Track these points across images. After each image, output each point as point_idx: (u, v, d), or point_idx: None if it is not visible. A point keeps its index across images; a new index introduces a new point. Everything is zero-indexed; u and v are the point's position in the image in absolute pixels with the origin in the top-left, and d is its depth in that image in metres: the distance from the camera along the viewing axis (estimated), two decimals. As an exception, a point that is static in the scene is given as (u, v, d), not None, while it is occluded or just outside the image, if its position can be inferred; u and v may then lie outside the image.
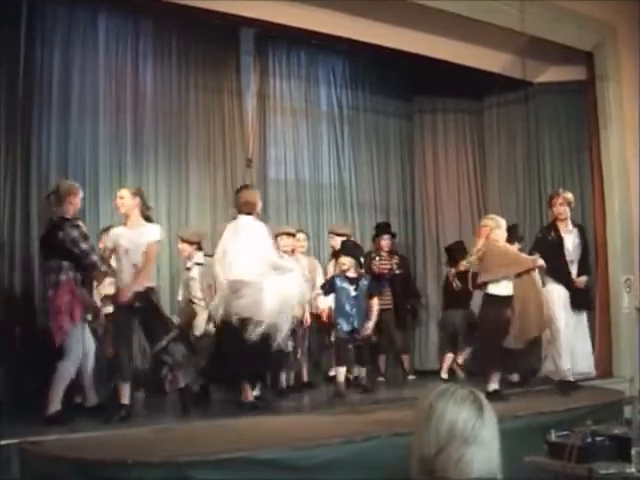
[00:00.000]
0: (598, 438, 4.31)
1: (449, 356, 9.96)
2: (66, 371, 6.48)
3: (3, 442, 5.35)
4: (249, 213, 7.16)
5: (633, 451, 4.11)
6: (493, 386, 7.42)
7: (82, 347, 6.68)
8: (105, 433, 6.04)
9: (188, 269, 8.26)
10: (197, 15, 8.85)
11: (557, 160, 11.12)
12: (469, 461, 1.88)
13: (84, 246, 6.58)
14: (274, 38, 10.61)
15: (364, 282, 8.24)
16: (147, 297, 6.78)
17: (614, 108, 10.19)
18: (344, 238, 9.00)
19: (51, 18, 8.95)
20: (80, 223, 6.79)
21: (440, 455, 1.89)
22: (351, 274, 8.16)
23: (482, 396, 2.00)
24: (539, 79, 11.05)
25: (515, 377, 8.73)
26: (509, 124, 11.64)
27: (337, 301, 8.16)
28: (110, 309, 7.36)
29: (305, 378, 9.04)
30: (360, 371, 8.67)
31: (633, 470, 4.02)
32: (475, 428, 1.91)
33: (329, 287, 8.24)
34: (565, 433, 4.43)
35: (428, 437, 1.92)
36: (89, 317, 7.07)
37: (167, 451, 5.12)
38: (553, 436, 4.46)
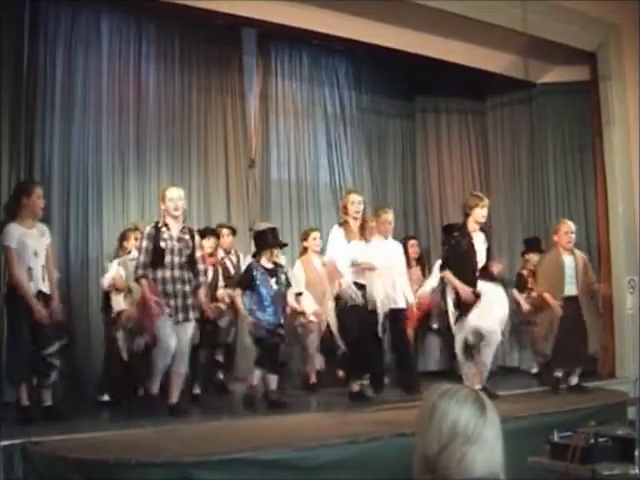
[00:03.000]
0: (601, 439, 4.31)
1: None
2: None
3: (6, 442, 5.36)
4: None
5: (637, 452, 4.11)
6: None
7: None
8: (108, 433, 6.05)
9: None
10: (199, 16, 8.86)
11: (560, 160, 11.11)
12: (471, 460, 1.88)
13: None
14: (276, 39, 10.62)
15: None
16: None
17: (617, 108, 10.17)
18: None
19: (54, 19, 8.95)
20: None
21: (442, 454, 1.89)
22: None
23: (484, 396, 2.00)
24: (542, 79, 11.04)
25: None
26: (512, 125, 11.64)
27: None
28: None
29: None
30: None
31: (637, 471, 4.02)
32: (477, 427, 1.91)
33: None
34: (568, 434, 4.43)
35: (430, 436, 1.92)
36: None
37: (171, 451, 5.13)
38: (556, 437, 4.47)
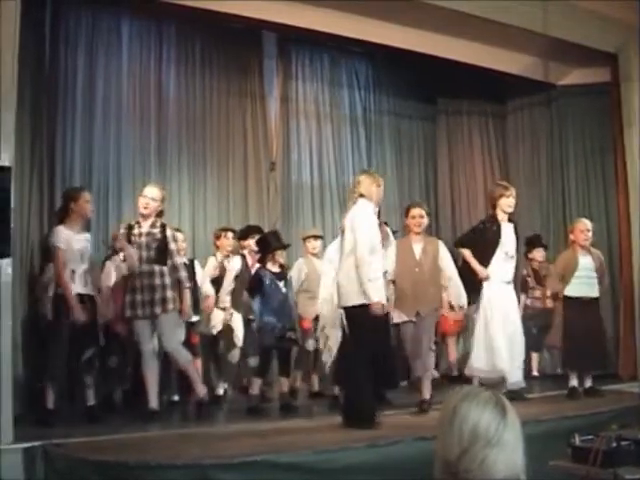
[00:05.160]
0: (623, 442, 4.27)
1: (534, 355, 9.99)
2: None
3: (28, 444, 5.40)
4: None
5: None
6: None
7: None
8: (128, 435, 6.08)
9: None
10: (220, 19, 8.87)
11: (581, 163, 11.06)
12: (492, 463, 1.87)
13: None
14: (297, 42, 10.64)
15: None
16: None
17: (638, 109, 10.10)
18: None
19: (75, 23, 9.03)
20: None
21: (463, 457, 1.89)
22: None
23: (505, 399, 1.99)
24: (562, 81, 11.00)
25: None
26: (532, 127, 11.59)
27: None
28: None
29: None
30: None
31: (659, 474, 3.99)
32: (498, 430, 1.90)
33: None
34: (590, 437, 4.40)
35: (451, 439, 1.92)
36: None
37: (190, 453, 5.14)
38: (577, 440, 4.44)
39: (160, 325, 7.04)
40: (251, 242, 8.33)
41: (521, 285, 9.79)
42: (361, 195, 6.52)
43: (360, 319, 6.25)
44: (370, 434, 5.77)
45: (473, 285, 7.55)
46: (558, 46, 9.72)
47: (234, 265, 8.38)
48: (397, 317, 7.19)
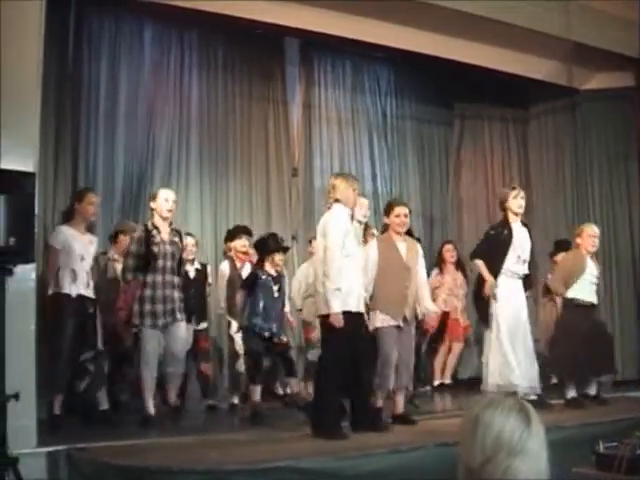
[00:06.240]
0: (647, 450, 4.26)
1: None
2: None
3: (52, 448, 5.44)
4: None
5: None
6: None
7: None
8: (151, 440, 6.10)
9: None
10: (242, 26, 8.91)
11: (604, 168, 10.98)
12: (516, 472, 1.86)
13: None
14: (319, 48, 10.66)
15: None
16: None
17: (662, 114, 10.08)
18: None
19: (98, 26, 9.10)
20: None
21: (487, 466, 1.88)
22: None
23: (529, 406, 1.98)
24: (586, 86, 10.95)
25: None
26: (555, 132, 11.53)
27: None
28: None
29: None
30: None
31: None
32: (522, 438, 1.89)
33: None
34: (614, 444, 4.37)
35: (474, 448, 1.91)
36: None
37: (212, 459, 5.15)
38: (601, 447, 4.42)
39: (172, 332, 7.01)
40: (238, 243, 8.27)
41: (544, 287, 9.76)
42: (336, 200, 6.35)
43: (327, 331, 6.15)
44: (390, 440, 5.76)
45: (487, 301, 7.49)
46: (581, 50, 9.70)
47: (223, 270, 8.33)
48: (380, 321, 6.71)
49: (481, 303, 7.57)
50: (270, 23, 8.63)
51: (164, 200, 7.04)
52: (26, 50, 5.87)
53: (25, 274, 5.53)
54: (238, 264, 8.26)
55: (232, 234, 8.53)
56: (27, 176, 5.17)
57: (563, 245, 9.89)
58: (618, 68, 10.49)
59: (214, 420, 8.02)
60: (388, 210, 7.01)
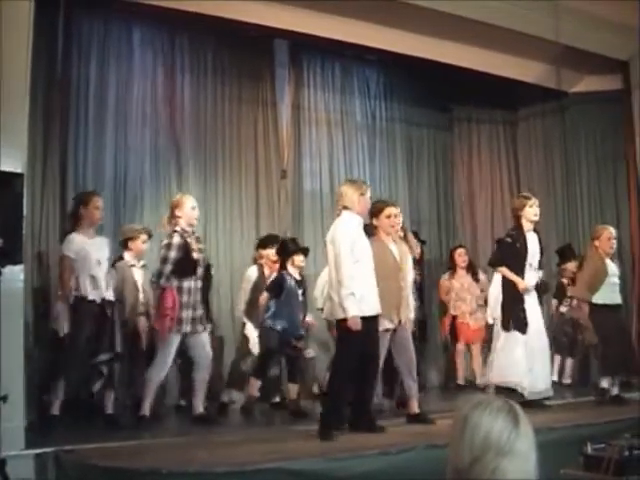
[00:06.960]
0: (636, 451, 4.27)
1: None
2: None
3: (39, 450, 5.42)
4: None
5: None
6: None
7: None
8: (140, 442, 6.09)
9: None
10: (232, 28, 8.90)
11: (593, 170, 11.07)
12: (504, 472, 1.87)
13: None
14: (308, 49, 10.64)
15: None
16: None
17: (649, 117, 10.11)
18: None
19: (87, 28, 9.05)
20: None
21: (475, 466, 1.88)
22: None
23: (518, 407, 1.98)
24: (574, 89, 10.99)
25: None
26: (545, 134, 11.58)
27: None
28: None
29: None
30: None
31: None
32: (510, 439, 1.89)
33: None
34: (602, 446, 4.39)
35: (462, 448, 1.91)
36: None
37: (202, 461, 5.14)
38: (589, 449, 4.43)
39: (200, 338, 7.08)
40: (270, 252, 8.30)
41: (556, 291, 9.86)
42: (345, 207, 6.36)
43: (343, 333, 6.18)
44: (381, 441, 5.75)
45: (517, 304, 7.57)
46: (570, 54, 9.72)
47: (250, 274, 8.41)
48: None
49: (506, 309, 7.64)
50: (259, 25, 8.63)
51: (191, 208, 7.12)
52: (15, 52, 5.86)
53: (13, 275, 5.51)
54: (267, 272, 8.34)
55: (264, 242, 8.61)
56: (16, 177, 5.14)
57: (568, 252, 9.93)
58: (607, 71, 10.53)
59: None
60: (377, 212, 6.91)
